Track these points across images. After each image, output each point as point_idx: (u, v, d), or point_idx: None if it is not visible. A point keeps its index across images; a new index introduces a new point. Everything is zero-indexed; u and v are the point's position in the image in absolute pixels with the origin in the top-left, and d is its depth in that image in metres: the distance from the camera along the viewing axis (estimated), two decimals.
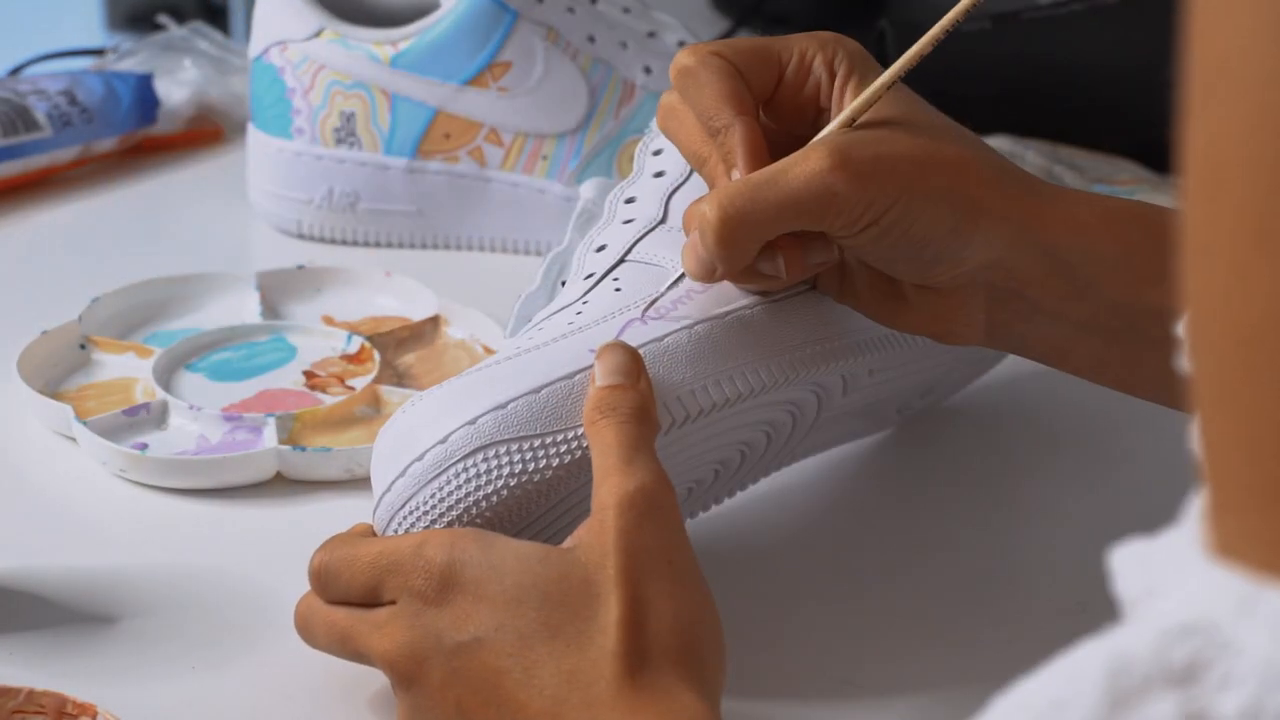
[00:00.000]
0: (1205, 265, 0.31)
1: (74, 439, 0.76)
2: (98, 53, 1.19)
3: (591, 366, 0.60)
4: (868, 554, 0.71)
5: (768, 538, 0.72)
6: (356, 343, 0.85)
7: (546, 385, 0.60)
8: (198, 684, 0.62)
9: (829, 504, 0.75)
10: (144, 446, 0.76)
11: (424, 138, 0.96)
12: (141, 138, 1.09)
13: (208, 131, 1.12)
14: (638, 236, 0.67)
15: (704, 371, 0.62)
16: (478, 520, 0.59)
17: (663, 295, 0.63)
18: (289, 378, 0.82)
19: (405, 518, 0.60)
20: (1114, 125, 1.07)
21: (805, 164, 0.59)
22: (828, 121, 0.62)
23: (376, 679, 0.59)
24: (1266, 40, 0.29)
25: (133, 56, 1.15)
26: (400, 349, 0.85)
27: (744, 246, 0.60)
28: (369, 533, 0.61)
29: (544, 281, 0.71)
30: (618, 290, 0.64)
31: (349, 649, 0.58)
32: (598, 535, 0.55)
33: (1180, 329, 0.33)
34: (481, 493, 0.59)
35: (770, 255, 0.61)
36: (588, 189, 0.73)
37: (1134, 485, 0.77)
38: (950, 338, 0.64)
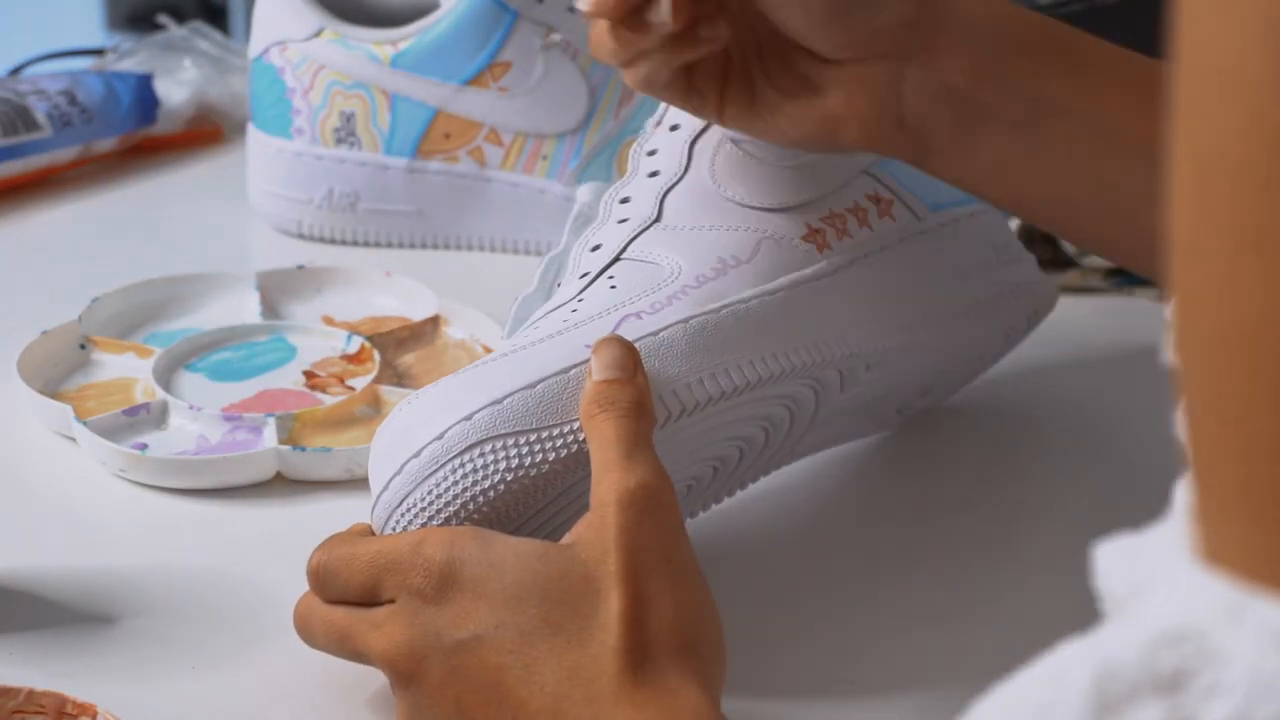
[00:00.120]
0: (1193, 266, 0.31)
1: (74, 439, 0.76)
2: (98, 53, 1.19)
3: (587, 361, 0.60)
4: (868, 553, 0.71)
5: (768, 537, 0.72)
6: (356, 343, 0.85)
7: (542, 380, 0.60)
8: (198, 684, 0.62)
9: (829, 503, 0.75)
10: (144, 446, 0.76)
11: (424, 138, 0.96)
12: (141, 138, 1.09)
13: (208, 131, 1.12)
14: (632, 235, 0.67)
15: (700, 365, 0.62)
16: (475, 516, 0.59)
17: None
18: (289, 378, 0.82)
19: (403, 515, 0.60)
20: None
21: None
22: None
23: (376, 679, 0.59)
24: (1255, 47, 0.29)
25: (133, 56, 1.16)
26: (400, 349, 0.85)
27: None
28: (368, 532, 0.61)
29: (541, 284, 0.71)
30: (613, 288, 0.65)
31: (348, 648, 0.58)
32: (598, 532, 0.55)
33: (1167, 320, 0.33)
34: (479, 488, 0.59)
35: (655, 3, 0.60)
36: (584, 192, 0.73)
37: (1134, 484, 0.77)
38: (840, 137, 0.63)
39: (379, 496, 0.61)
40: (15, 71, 1.14)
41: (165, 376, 0.81)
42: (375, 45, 0.95)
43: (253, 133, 1.00)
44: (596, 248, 0.67)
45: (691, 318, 0.63)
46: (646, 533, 0.55)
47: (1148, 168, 0.53)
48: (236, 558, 0.70)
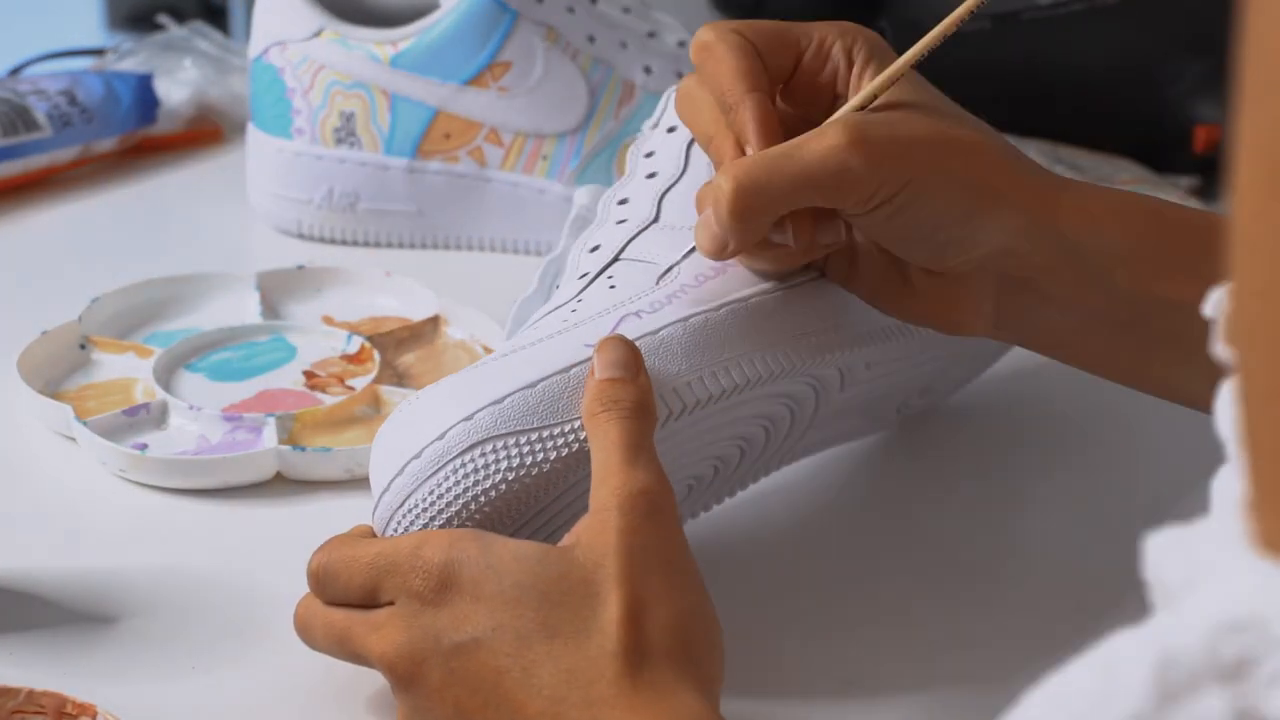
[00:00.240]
0: (1256, 262, 0.31)
1: (74, 439, 0.76)
2: (98, 53, 1.19)
3: (587, 360, 0.60)
4: (868, 553, 0.71)
5: (768, 537, 0.72)
6: (356, 343, 0.85)
7: (543, 379, 0.60)
8: (198, 684, 0.62)
9: (829, 503, 0.75)
10: (144, 446, 0.76)
11: (424, 138, 0.96)
12: (141, 138, 1.09)
13: (208, 131, 1.12)
14: (631, 236, 0.67)
15: (700, 363, 0.62)
16: (477, 516, 0.59)
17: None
18: (289, 378, 0.82)
19: (404, 516, 0.60)
20: (1114, 125, 1.07)
21: (822, 140, 0.59)
22: (842, 107, 0.62)
23: (376, 679, 0.59)
24: None
25: (133, 56, 1.15)
26: (400, 349, 0.85)
27: (757, 220, 0.60)
28: (369, 534, 0.61)
29: (540, 285, 0.71)
30: (612, 288, 0.65)
31: (348, 650, 0.58)
32: (598, 535, 0.55)
33: (1211, 313, 0.33)
34: (480, 488, 0.59)
35: (780, 225, 0.61)
36: (582, 195, 0.73)
37: (1133, 484, 0.77)
38: (957, 328, 0.65)
39: (380, 497, 0.61)
40: (15, 71, 1.14)
41: (165, 376, 0.81)
42: (375, 45, 0.95)
43: (253, 133, 1.00)
44: (595, 248, 0.68)
45: (691, 316, 0.63)
46: (646, 537, 0.55)
47: None
48: (236, 558, 0.70)
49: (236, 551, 0.70)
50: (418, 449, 0.60)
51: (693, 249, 0.65)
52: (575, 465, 0.60)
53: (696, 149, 0.69)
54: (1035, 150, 1.05)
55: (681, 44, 0.96)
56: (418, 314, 0.88)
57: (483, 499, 0.59)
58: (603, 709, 0.52)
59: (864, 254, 0.64)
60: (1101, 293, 0.62)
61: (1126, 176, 1.04)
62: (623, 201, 0.69)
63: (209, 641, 0.64)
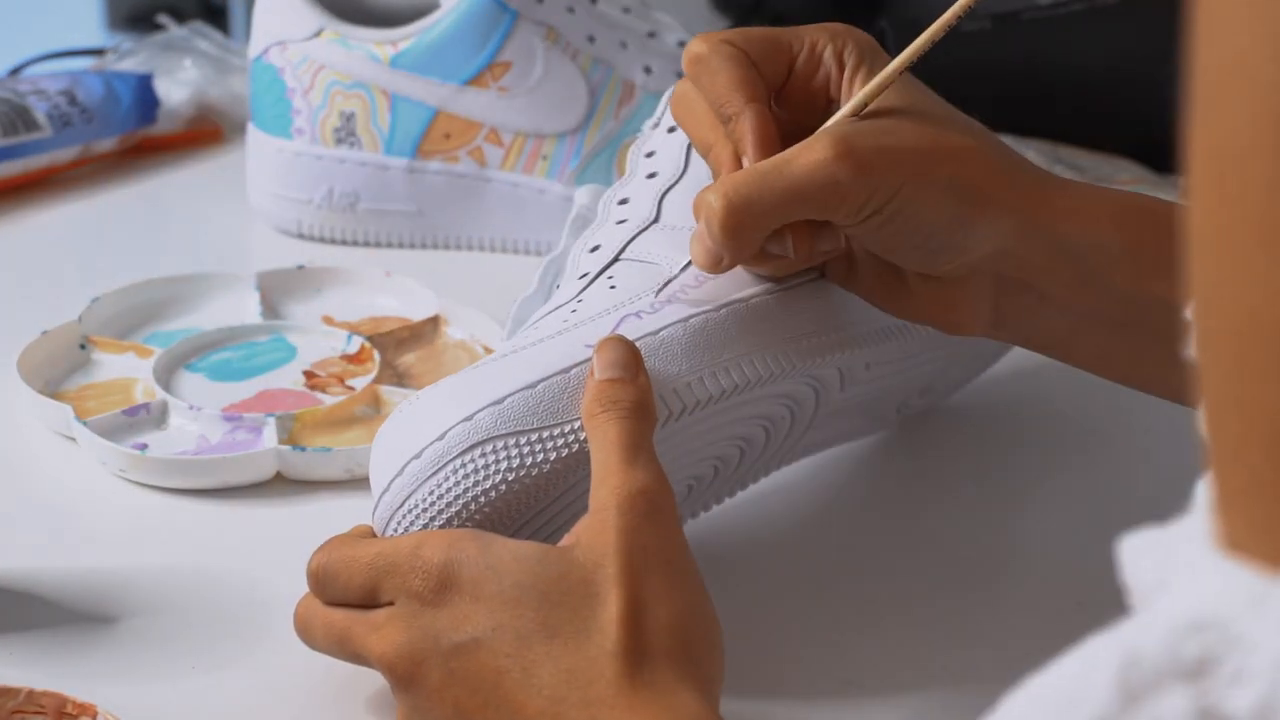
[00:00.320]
0: (1211, 260, 0.32)
1: (74, 439, 0.76)
2: (98, 53, 1.19)
3: (587, 361, 0.60)
4: (868, 553, 0.71)
5: (769, 537, 0.72)
6: (356, 343, 0.85)
7: (543, 380, 0.60)
8: (198, 684, 0.62)
9: (829, 503, 0.75)
10: (144, 446, 0.76)
11: (424, 138, 0.96)
12: (141, 138, 1.09)
13: (208, 131, 1.12)
14: (631, 236, 0.67)
15: (700, 364, 0.62)
16: (477, 516, 0.59)
17: (674, 279, 0.64)
18: (289, 378, 0.82)
19: (404, 516, 0.60)
20: (1114, 125, 1.07)
21: (810, 153, 0.59)
22: (836, 112, 0.62)
23: (376, 679, 0.59)
24: (1266, 45, 0.30)
25: (133, 56, 1.16)
26: (400, 349, 0.85)
27: (749, 235, 0.60)
28: (369, 534, 0.61)
29: (540, 286, 0.71)
30: (612, 288, 0.65)
31: (348, 650, 0.58)
32: (598, 535, 0.55)
33: (1188, 319, 0.33)
34: (480, 488, 0.59)
35: (779, 236, 0.61)
36: (582, 195, 0.73)
37: (1134, 483, 0.77)
38: (956, 328, 0.65)
39: (380, 498, 0.61)
40: (15, 71, 1.14)
41: (165, 376, 0.81)
42: (375, 45, 0.95)
43: (253, 133, 1.00)
44: (595, 248, 0.68)
45: (691, 317, 0.63)
46: (646, 537, 0.55)
47: None
48: (236, 558, 0.70)
49: (236, 551, 0.70)
50: (418, 449, 0.60)
51: (689, 263, 0.65)
52: (575, 466, 0.60)
53: None
54: (1035, 150, 1.05)
55: (681, 44, 0.96)
56: (418, 314, 0.88)
57: (483, 499, 0.59)
58: (602, 709, 0.52)
59: (860, 257, 0.64)
60: (1097, 293, 0.62)
61: (1126, 176, 1.04)
62: (623, 201, 0.69)
63: (209, 641, 0.64)
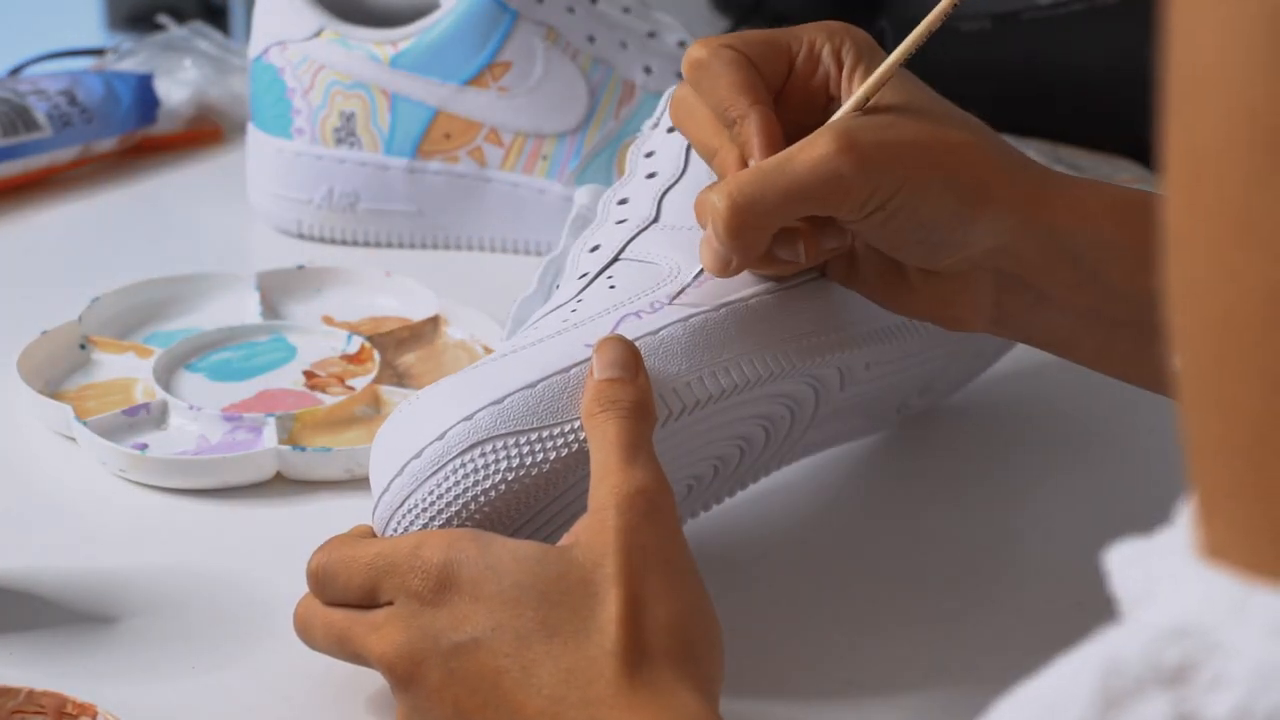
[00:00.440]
0: (1188, 258, 0.32)
1: (74, 439, 0.76)
2: (98, 53, 1.19)
3: (587, 361, 0.60)
4: (868, 553, 0.71)
5: (768, 537, 0.72)
6: (356, 343, 0.85)
7: (543, 379, 0.60)
8: (198, 684, 0.62)
9: (829, 503, 0.75)
10: (144, 446, 0.76)
11: (424, 138, 0.96)
12: (141, 138, 1.09)
13: (208, 131, 1.12)
14: (631, 236, 0.67)
15: (700, 363, 0.62)
16: (477, 516, 0.59)
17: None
18: (289, 378, 0.82)
19: (404, 516, 0.60)
20: (1114, 125, 1.07)
21: (811, 150, 0.59)
22: (837, 110, 0.62)
23: (376, 679, 0.59)
24: (1244, 45, 0.30)
25: (133, 56, 1.16)
26: (400, 349, 0.85)
27: (755, 236, 0.60)
28: (369, 534, 0.61)
29: (540, 286, 0.71)
30: (612, 288, 0.65)
31: (347, 650, 0.58)
32: (597, 534, 0.55)
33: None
34: (480, 488, 0.59)
35: (790, 240, 0.61)
36: (581, 194, 0.73)
37: (1134, 484, 0.77)
38: (956, 324, 0.65)
39: (380, 498, 0.61)
40: (15, 71, 1.14)
41: (165, 376, 0.81)
42: (375, 45, 0.95)
43: (253, 133, 1.00)
44: (595, 248, 0.68)
45: (691, 316, 0.63)
46: (645, 536, 0.55)
47: None
48: (236, 558, 0.70)
49: (236, 551, 0.70)
50: (418, 449, 0.60)
51: (702, 270, 0.64)
52: (575, 465, 0.60)
53: None
54: (1035, 150, 1.05)
55: (681, 44, 0.96)
56: (418, 314, 0.88)
57: (482, 499, 0.59)
58: (601, 709, 0.52)
59: (862, 254, 0.65)
60: (1097, 290, 0.62)
61: (1126, 176, 1.04)
62: (623, 201, 0.69)
63: (209, 641, 0.64)
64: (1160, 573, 0.33)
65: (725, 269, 0.62)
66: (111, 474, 0.74)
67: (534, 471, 0.59)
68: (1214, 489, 0.32)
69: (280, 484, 0.74)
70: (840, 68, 0.63)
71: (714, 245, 0.61)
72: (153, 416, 0.78)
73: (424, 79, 0.95)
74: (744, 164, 0.61)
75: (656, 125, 0.72)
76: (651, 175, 0.70)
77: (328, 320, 0.88)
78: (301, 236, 0.99)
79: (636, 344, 0.61)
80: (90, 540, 0.71)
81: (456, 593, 0.55)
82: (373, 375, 0.81)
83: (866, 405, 0.73)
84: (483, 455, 0.59)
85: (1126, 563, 0.34)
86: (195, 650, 0.64)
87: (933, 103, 0.62)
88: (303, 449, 0.74)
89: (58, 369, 0.82)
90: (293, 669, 0.62)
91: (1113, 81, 1.06)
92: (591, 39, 0.95)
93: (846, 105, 0.62)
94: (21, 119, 1.01)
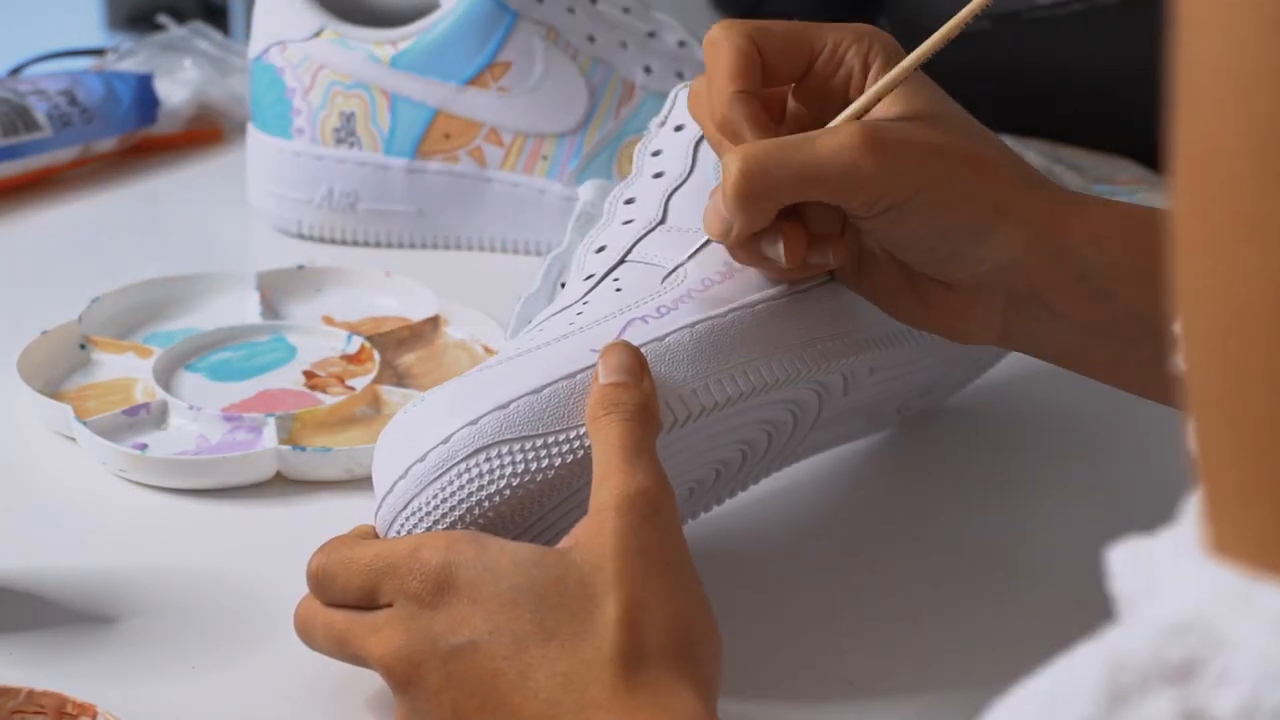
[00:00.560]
0: (1195, 260, 0.32)
1: (74, 439, 0.76)
2: (98, 53, 1.19)
3: (593, 366, 0.60)
4: (868, 553, 0.71)
5: (768, 537, 0.72)
6: (356, 343, 0.85)
7: (548, 385, 0.60)
8: (198, 684, 0.62)
9: (829, 504, 0.75)
10: (144, 446, 0.76)
11: (424, 138, 0.96)
12: (141, 138, 1.09)
13: (208, 131, 1.12)
14: (637, 237, 0.67)
15: (705, 370, 0.62)
16: (480, 520, 0.59)
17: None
18: (289, 378, 0.82)
19: (407, 519, 0.60)
20: (1114, 125, 1.07)
21: (835, 136, 0.60)
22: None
23: (375, 679, 0.59)
24: (1252, 46, 0.30)
25: (133, 56, 1.16)
26: (400, 349, 0.85)
27: (762, 205, 0.60)
28: (370, 535, 0.61)
29: (544, 283, 0.71)
30: (618, 290, 0.65)
31: (347, 652, 0.58)
32: (596, 536, 0.55)
33: (1176, 327, 0.34)
34: (484, 493, 0.59)
35: (773, 236, 0.61)
36: (586, 191, 0.73)
37: (1134, 484, 0.77)
38: (965, 337, 0.65)
39: (383, 500, 0.61)
40: (15, 71, 1.14)
41: (165, 376, 0.81)
42: (375, 45, 0.95)
43: (253, 133, 1.00)
44: (601, 249, 0.67)
45: (697, 322, 0.63)
46: (645, 539, 0.55)
47: None
48: (236, 558, 0.70)
49: (236, 551, 0.70)
50: (422, 452, 0.60)
51: (696, 251, 0.65)
52: (580, 471, 0.59)
53: (704, 148, 0.69)
54: (1035, 150, 1.05)
55: (681, 44, 0.96)
56: (418, 314, 0.88)
57: (486, 504, 0.59)
58: (598, 712, 0.52)
59: (872, 260, 0.64)
60: (1106, 309, 0.62)
61: (1126, 176, 1.04)
62: (629, 201, 0.69)
63: (209, 641, 0.64)
64: (1164, 569, 0.33)
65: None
66: (111, 474, 0.74)
67: (539, 477, 0.59)
68: (1219, 488, 0.32)
69: (280, 484, 0.74)
70: (865, 70, 0.63)
71: (719, 208, 0.61)
72: (153, 416, 0.78)
73: (424, 79, 0.95)
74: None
75: (664, 123, 0.72)
76: (658, 175, 0.69)
77: (328, 320, 0.88)
78: (301, 236, 0.99)
79: (642, 349, 0.61)
80: (90, 540, 0.71)
81: (455, 595, 0.55)
82: (373, 375, 0.81)
83: (867, 408, 0.73)
84: (487, 460, 0.59)
85: (1128, 561, 0.34)
86: (195, 650, 0.64)
87: (955, 113, 0.63)
88: (303, 449, 0.74)
89: (58, 369, 0.82)
90: (293, 669, 0.62)
91: (1113, 81, 1.07)
92: (591, 39, 0.95)
93: (859, 101, 0.62)
94: (21, 119, 1.01)
